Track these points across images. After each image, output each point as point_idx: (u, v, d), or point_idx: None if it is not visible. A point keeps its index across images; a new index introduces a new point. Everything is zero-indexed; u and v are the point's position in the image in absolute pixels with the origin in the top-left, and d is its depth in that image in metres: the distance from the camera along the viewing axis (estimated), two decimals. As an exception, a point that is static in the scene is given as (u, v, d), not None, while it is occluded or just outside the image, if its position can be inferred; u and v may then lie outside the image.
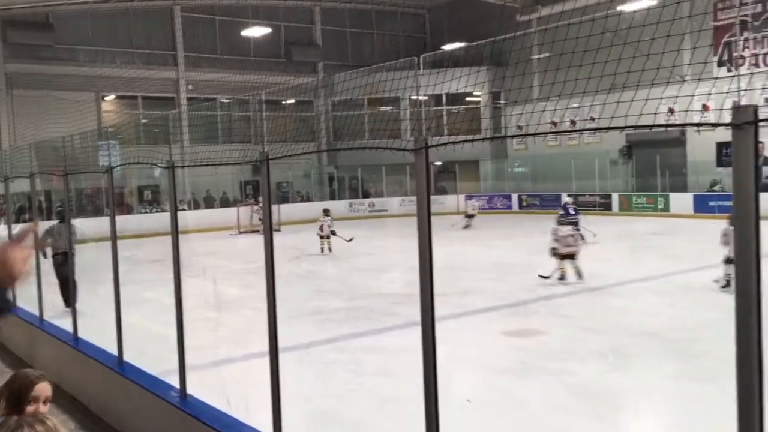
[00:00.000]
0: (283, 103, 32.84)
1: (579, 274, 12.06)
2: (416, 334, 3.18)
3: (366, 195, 33.66)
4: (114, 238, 6.33)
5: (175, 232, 5.21)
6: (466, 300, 10.94)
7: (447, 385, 3.45)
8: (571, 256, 12.19)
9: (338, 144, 32.86)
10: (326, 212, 18.94)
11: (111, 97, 30.87)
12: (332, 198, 33.46)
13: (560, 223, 12.93)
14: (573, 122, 23.45)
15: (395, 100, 31.32)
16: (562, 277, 12.09)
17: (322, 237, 18.11)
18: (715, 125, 2.21)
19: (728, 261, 10.54)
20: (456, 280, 12.57)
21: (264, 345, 4.14)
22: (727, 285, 10.46)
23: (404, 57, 27.52)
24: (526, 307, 10.47)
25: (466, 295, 11.34)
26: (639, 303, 10.54)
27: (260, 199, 15.96)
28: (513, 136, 25.44)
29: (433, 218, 3.10)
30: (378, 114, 32.02)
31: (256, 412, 4.76)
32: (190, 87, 31.28)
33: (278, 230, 20.10)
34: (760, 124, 1.67)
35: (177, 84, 31.34)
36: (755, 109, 1.69)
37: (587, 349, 7.85)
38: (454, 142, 3.04)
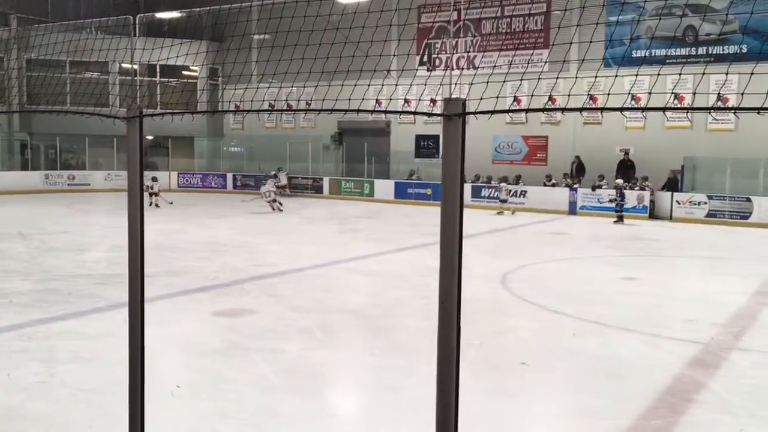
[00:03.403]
0: (-35, 55, 28.35)
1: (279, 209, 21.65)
2: (121, 316, 2.95)
3: (66, 167, 30.65)
4: None
5: None
6: (176, 280, 10.56)
7: (154, 370, 3.26)
8: (275, 200, 21.91)
9: (34, 108, 29.33)
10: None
11: None
12: (24, 168, 29.91)
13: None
14: (290, 105, 23.91)
15: (104, 64, 28.89)
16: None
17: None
18: (430, 115, 2.37)
19: None
20: (166, 259, 12.10)
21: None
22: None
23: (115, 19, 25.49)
24: (238, 287, 10.43)
25: (177, 275, 10.96)
26: (344, 282, 11.14)
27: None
28: (234, 112, 25.20)
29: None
30: (83, 79, 29.25)
31: None
32: None
33: (-47, 201, 17.49)
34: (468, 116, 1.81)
35: None
36: (464, 102, 1.83)
37: (295, 327, 8.07)
38: (171, 113, 2.86)
